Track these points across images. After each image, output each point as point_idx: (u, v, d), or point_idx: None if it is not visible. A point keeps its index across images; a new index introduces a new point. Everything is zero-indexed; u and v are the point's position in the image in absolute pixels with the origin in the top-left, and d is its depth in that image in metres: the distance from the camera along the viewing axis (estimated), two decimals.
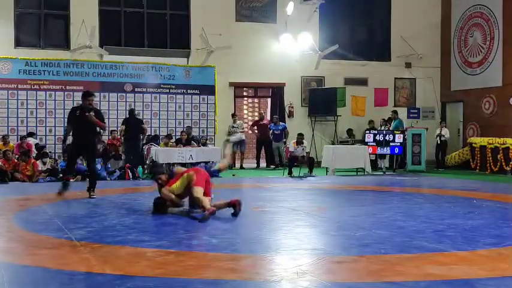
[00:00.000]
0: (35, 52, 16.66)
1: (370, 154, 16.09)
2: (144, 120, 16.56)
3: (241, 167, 17.63)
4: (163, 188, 8.12)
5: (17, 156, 14.18)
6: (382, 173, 16.39)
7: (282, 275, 4.66)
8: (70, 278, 4.62)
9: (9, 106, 16.15)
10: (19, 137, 15.48)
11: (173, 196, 8.03)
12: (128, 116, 15.67)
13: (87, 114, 9.91)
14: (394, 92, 20.13)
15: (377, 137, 16.35)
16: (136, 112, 16.17)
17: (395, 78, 20.12)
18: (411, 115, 19.04)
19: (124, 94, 17.17)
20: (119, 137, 15.73)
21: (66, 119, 10.61)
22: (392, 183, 13.45)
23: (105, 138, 16.32)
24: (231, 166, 17.54)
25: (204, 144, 16.58)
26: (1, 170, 13.25)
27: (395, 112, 18.25)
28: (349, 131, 18.89)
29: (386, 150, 16.44)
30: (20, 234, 6.65)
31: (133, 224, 7.23)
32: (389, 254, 5.46)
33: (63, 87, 16.62)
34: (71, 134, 10.23)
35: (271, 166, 17.96)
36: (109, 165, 14.79)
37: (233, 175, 15.61)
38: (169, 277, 4.58)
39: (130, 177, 14.26)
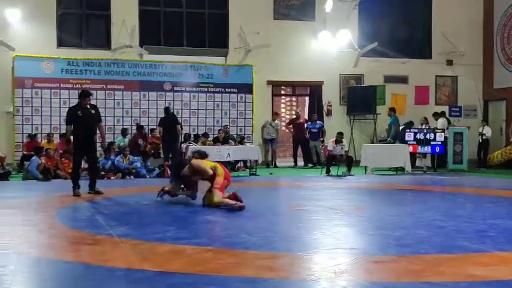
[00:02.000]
0: (77, 52, 16.97)
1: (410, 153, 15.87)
2: (182, 118, 16.68)
3: (275, 166, 17.61)
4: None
5: (59, 153, 14.45)
6: (422, 172, 16.16)
7: (320, 274, 4.64)
8: (110, 274, 4.68)
9: (52, 105, 16.48)
10: (59, 135, 15.79)
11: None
12: (164, 114, 15.81)
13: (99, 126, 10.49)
14: (435, 90, 19.85)
15: (417, 136, 16.11)
16: (172, 111, 16.34)
17: (436, 75, 19.84)
18: (453, 113, 18.74)
19: (163, 93, 17.35)
20: (158, 135, 15.88)
21: (66, 119, 10.56)
22: (433, 183, 13.25)
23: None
24: (268, 164, 17.58)
25: (241, 143, 16.62)
26: (44, 167, 13.53)
27: (391, 110, 17.66)
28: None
29: (427, 149, 16.20)
30: (62, 230, 6.77)
31: (172, 221, 7.30)
32: (429, 254, 5.38)
33: (104, 86, 16.89)
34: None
35: (309, 165, 17.90)
36: (148, 163, 14.97)
37: (270, 174, 15.62)
38: (207, 274, 4.60)
39: (169, 174, 14.37)
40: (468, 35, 19.63)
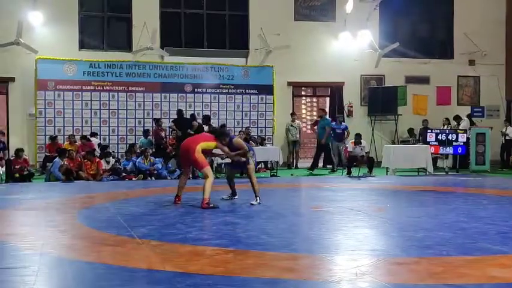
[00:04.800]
0: (99, 54, 17.12)
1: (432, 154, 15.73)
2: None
3: (296, 167, 17.55)
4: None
5: (81, 155, 14.57)
6: (444, 173, 16.02)
7: (341, 275, 4.62)
8: (131, 275, 4.71)
9: (74, 107, 16.62)
10: (79, 136, 15.92)
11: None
12: (176, 117, 16.02)
13: None
14: (457, 90, 19.68)
15: (439, 137, 15.97)
16: (194, 113, 16.46)
17: (458, 76, 19.65)
18: (475, 114, 18.53)
19: (184, 94, 17.41)
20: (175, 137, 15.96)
21: None
22: (455, 184, 13.13)
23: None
24: (289, 166, 17.55)
25: (262, 144, 16.61)
26: (67, 169, 13.66)
27: (322, 110, 17.50)
28: (410, 131, 18.55)
29: (449, 150, 16.05)
30: (84, 231, 6.83)
31: (192, 222, 7.32)
32: (452, 256, 5.34)
33: (125, 88, 17.00)
34: None
35: (328, 166, 17.81)
36: (169, 165, 15.04)
37: (291, 175, 15.60)
38: (228, 275, 4.61)
39: (190, 176, 14.39)
40: (490, 35, 19.40)
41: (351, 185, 12.68)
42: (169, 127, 16.36)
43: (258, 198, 9.13)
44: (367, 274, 4.64)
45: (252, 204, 8.97)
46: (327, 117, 17.30)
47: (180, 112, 16.22)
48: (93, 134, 16.35)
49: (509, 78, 19.63)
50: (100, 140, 16.44)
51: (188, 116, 16.31)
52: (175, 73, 17.37)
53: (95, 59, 16.83)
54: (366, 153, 15.36)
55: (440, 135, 16.02)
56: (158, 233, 6.54)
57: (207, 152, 9.29)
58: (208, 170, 8.93)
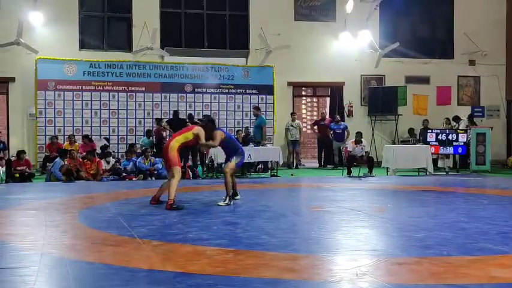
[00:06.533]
0: (99, 54, 17.13)
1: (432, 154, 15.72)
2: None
3: (296, 167, 17.56)
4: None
5: (81, 155, 14.56)
6: (444, 173, 16.01)
7: (341, 275, 4.62)
8: (132, 275, 4.71)
9: (74, 107, 16.64)
10: (82, 136, 15.95)
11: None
12: (172, 117, 16.02)
13: None
14: (457, 90, 19.67)
15: (440, 137, 15.97)
16: (192, 113, 16.47)
17: (458, 76, 19.65)
18: (475, 114, 18.53)
19: (184, 94, 17.42)
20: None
21: None
22: (456, 184, 13.12)
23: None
24: (290, 166, 17.54)
25: (262, 144, 16.58)
26: (67, 169, 13.65)
27: (256, 109, 17.32)
28: (411, 131, 18.55)
29: (449, 150, 16.05)
30: (85, 231, 6.83)
31: (193, 223, 7.32)
32: (452, 256, 5.33)
33: (125, 88, 17.01)
34: None
35: (328, 166, 17.82)
36: None
37: (291, 175, 15.60)
38: (228, 275, 4.61)
39: (191, 176, 14.43)
40: (491, 35, 19.41)
41: (351, 185, 12.66)
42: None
43: (227, 198, 9.02)
44: (368, 274, 4.64)
45: (218, 204, 8.91)
46: (262, 116, 17.27)
47: (175, 113, 16.21)
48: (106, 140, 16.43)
49: (510, 78, 19.63)
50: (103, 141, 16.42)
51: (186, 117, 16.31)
52: (175, 73, 17.38)
53: (95, 59, 16.84)
54: (365, 152, 15.35)
55: (440, 135, 16.01)
56: (159, 233, 6.54)
57: (190, 144, 9.23)
58: (177, 169, 8.77)
